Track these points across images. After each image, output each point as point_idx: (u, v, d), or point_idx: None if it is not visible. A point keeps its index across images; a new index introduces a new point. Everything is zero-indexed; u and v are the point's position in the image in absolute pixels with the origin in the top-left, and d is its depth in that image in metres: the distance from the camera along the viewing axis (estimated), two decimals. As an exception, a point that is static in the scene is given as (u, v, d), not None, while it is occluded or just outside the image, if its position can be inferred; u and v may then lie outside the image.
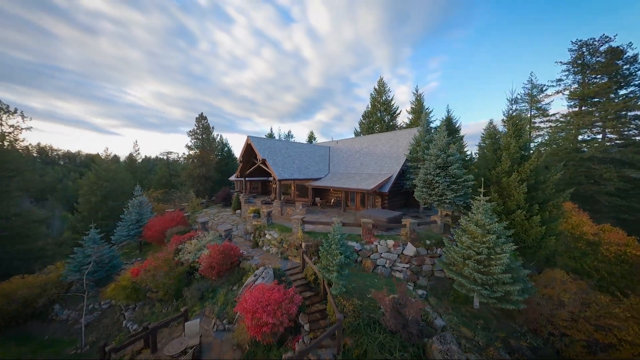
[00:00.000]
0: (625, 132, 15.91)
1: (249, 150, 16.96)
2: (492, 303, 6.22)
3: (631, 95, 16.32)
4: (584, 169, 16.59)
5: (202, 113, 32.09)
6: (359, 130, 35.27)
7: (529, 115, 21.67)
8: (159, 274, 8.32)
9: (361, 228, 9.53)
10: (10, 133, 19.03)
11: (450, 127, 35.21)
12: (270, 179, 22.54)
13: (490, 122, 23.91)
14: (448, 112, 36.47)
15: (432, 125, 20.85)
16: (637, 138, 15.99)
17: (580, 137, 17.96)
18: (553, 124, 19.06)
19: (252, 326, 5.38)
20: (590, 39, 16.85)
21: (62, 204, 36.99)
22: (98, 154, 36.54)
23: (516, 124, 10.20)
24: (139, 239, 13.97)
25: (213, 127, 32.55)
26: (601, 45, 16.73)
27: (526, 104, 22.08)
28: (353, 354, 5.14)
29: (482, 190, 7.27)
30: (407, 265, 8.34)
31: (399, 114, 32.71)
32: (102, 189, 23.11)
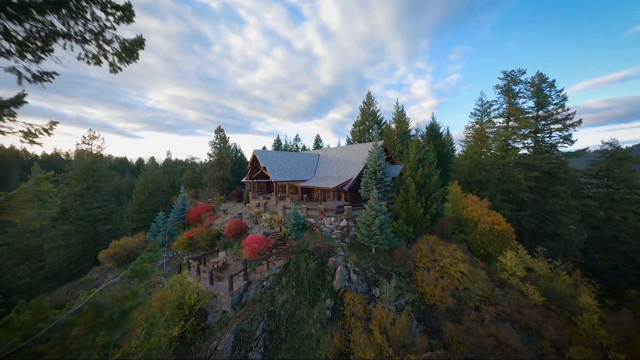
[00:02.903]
0: (530, 144, 20.62)
1: (254, 160, 23.57)
2: (373, 247, 12.17)
3: (545, 114, 20.98)
4: (509, 169, 21.47)
5: (220, 126, 39.39)
6: (351, 138, 41.04)
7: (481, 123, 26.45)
8: (202, 234, 15.05)
9: (317, 211, 15.69)
10: (97, 151, 27.18)
11: (434, 132, 40.41)
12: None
13: (417, 136, 28.85)
14: (433, 119, 41.65)
15: (421, 129, 26.40)
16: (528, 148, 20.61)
17: (516, 145, 22.72)
18: (491, 135, 23.88)
19: (249, 250, 11.79)
20: (512, 70, 21.60)
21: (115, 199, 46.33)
22: (142, 159, 45.21)
23: (418, 144, 15.78)
24: (183, 220, 21.08)
25: (228, 138, 39.87)
26: (521, 75, 21.46)
27: (488, 114, 26.71)
28: (292, 260, 11.39)
29: (382, 188, 13.14)
30: (340, 231, 14.37)
31: (384, 124, 38.05)
32: (148, 189, 31.01)
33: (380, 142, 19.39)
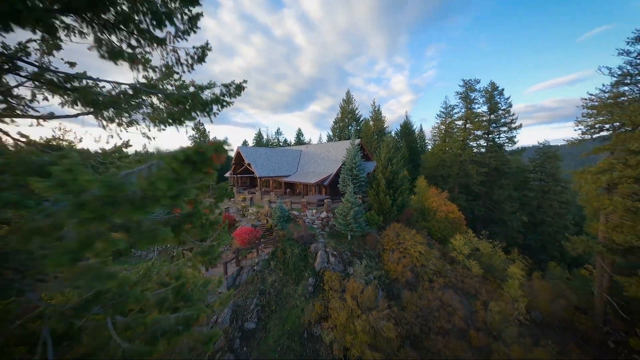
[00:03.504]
0: (483, 144, 24.19)
1: (238, 156, 24.39)
2: (349, 234, 14.27)
3: (495, 118, 24.51)
4: (465, 165, 24.92)
5: (199, 120, 38.89)
6: (331, 134, 42.88)
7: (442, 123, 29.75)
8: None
9: (300, 204, 17.44)
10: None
11: (407, 130, 43.57)
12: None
13: (390, 135, 31.90)
14: (407, 117, 44.75)
15: (397, 126, 28.68)
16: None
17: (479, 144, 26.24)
18: (453, 135, 27.21)
19: (239, 240, 13.23)
20: (470, 79, 24.78)
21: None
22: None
23: (388, 145, 18.05)
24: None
25: (209, 132, 39.52)
26: (476, 84, 24.71)
27: (452, 116, 29.98)
28: (279, 247, 13.11)
29: (360, 183, 15.17)
30: (321, 222, 16.30)
31: (363, 120, 40.34)
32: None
33: (357, 141, 21.40)
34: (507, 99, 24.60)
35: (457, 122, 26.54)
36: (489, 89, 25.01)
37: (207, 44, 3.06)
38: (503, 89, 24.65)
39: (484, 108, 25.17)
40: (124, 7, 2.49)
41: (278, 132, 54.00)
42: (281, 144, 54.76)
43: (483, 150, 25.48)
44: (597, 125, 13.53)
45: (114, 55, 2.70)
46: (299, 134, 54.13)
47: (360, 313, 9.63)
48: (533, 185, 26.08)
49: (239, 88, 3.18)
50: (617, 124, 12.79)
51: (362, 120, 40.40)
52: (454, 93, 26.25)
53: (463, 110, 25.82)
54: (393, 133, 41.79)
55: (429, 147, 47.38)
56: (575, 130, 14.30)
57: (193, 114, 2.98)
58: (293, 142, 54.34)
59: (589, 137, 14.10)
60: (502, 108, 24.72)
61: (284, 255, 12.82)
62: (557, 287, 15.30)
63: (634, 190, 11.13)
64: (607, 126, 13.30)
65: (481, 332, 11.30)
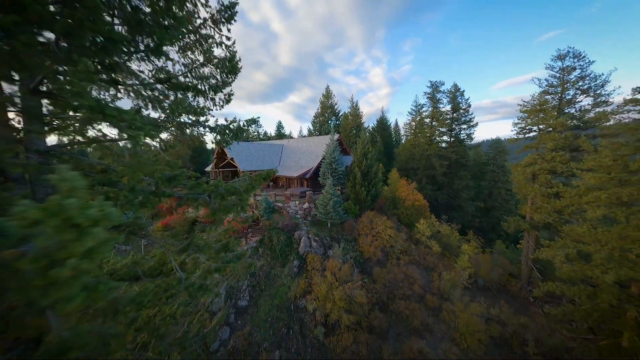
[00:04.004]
0: (446, 140, 27.42)
1: (221, 150, 24.71)
2: (329, 222, 16.06)
3: (457, 116, 27.63)
4: (431, 159, 27.98)
5: (175, 112, 37.54)
6: (312, 128, 44.02)
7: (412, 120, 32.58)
8: (179, 221, 16.68)
9: (284, 197, 18.81)
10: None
11: (383, 125, 46.04)
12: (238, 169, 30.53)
13: (366, 131, 34.31)
14: (382, 113, 47.11)
15: (373, 120, 30.42)
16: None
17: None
18: (423, 131, 30.09)
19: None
20: (436, 81, 27.50)
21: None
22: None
23: (363, 141, 19.94)
24: (155, 212, 21.61)
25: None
26: (441, 85, 27.52)
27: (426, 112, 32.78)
28: (266, 236, 14.50)
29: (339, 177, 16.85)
30: (303, 212, 17.89)
31: (342, 114, 41.98)
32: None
33: (336, 137, 22.98)
34: (467, 99, 27.81)
35: (425, 120, 29.35)
36: (452, 90, 27.97)
37: (231, 91, 4.42)
38: (464, 91, 27.76)
39: (448, 107, 28.20)
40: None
41: (257, 125, 53.70)
42: (261, 136, 54.62)
43: (446, 145, 28.70)
44: (527, 127, 16.62)
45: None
46: (280, 126, 54.35)
47: (338, 285, 11.54)
48: (487, 175, 30.12)
49: (254, 121, 4.54)
50: (542, 126, 15.93)
51: (341, 115, 42.05)
52: (423, 93, 28.90)
53: (430, 109, 28.64)
54: (370, 127, 44.22)
55: (404, 140, 50.87)
56: (512, 130, 17.34)
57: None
58: (273, 134, 54.45)
59: (522, 136, 17.25)
60: (462, 107, 27.90)
61: (270, 242, 14.26)
62: (496, 259, 18.79)
63: (548, 180, 14.30)
64: (535, 128, 16.44)
65: (435, 296, 13.98)
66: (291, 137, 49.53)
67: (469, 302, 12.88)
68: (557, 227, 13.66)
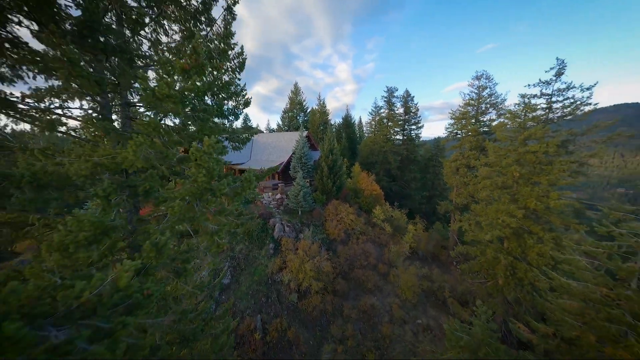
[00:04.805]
0: (399, 138, 32.06)
1: (189, 144, 24.61)
2: (300, 210, 18.31)
3: (408, 118, 32.24)
4: (387, 154, 32.25)
5: (130, 100, 34.55)
6: (280, 123, 45.05)
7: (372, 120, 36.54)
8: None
9: (257, 189, 20.36)
10: None
11: (347, 122, 49.26)
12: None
13: (330, 133, 37.67)
14: (347, 111, 50.26)
15: (339, 117, 32.69)
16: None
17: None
18: (380, 130, 34.20)
19: (207, 220, 15.51)
20: (391, 87, 31.58)
21: None
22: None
23: (329, 138, 22.54)
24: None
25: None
26: (395, 91, 31.72)
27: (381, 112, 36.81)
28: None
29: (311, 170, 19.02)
30: (276, 202, 19.79)
31: (310, 110, 43.95)
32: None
33: (305, 133, 25.09)
34: (416, 104, 32.61)
35: (383, 120, 33.42)
36: (405, 96, 32.42)
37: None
38: (414, 96, 32.45)
39: (401, 110, 32.63)
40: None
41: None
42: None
43: (399, 142, 33.33)
44: (454, 131, 21.27)
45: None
46: (246, 119, 53.56)
47: (308, 259, 14.03)
48: (430, 169, 35.95)
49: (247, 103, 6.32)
50: (463, 131, 20.65)
51: (309, 112, 44.02)
52: (381, 96, 32.79)
53: (387, 110, 32.75)
54: (336, 123, 47.31)
55: (366, 136, 55.38)
56: (444, 133, 21.88)
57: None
58: (239, 126, 53.53)
59: (452, 137, 21.94)
60: (412, 111, 32.64)
61: (248, 229, 15.92)
62: (433, 235, 23.71)
63: (465, 172, 18.97)
64: (459, 132, 21.17)
65: (385, 264, 17.61)
66: (260, 131, 49.33)
67: (409, 266, 16.78)
68: (470, 206, 18.41)
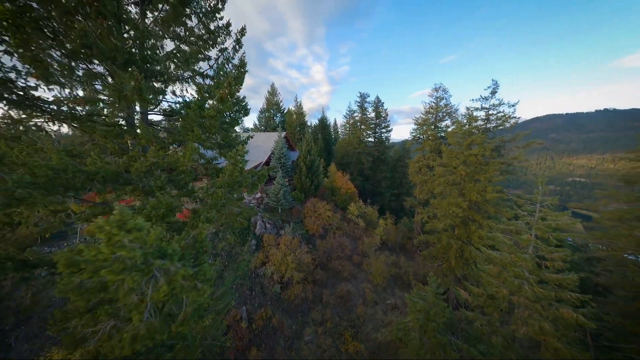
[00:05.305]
0: (372, 140, 34.79)
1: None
2: (280, 208, 19.21)
3: (379, 122, 35.03)
4: (360, 155, 34.63)
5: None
6: (257, 123, 44.90)
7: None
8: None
9: (238, 188, 20.76)
10: None
11: (323, 124, 50.85)
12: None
13: (308, 135, 39.59)
14: (323, 112, 51.81)
15: (316, 117, 33.64)
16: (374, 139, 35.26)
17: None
18: (354, 132, 36.53)
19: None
20: (364, 93, 34.12)
21: None
22: None
23: (307, 140, 23.81)
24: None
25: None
26: (367, 97, 34.33)
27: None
28: (226, 222, 16.54)
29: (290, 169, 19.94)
30: (257, 201, 20.39)
31: (286, 113, 44.62)
32: None
33: (283, 134, 25.95)
34: (386, 109, 35.61)
35: (356, 123, 35.78)
36: (376, 101, 35.19)
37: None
38: (384, 102, 35.42)
39: (373, 114, 35.33)
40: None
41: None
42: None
43: (371, 144, 36.03)
44: (417, 136, 24.16)
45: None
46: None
47: (290, 253, 15.11)
48: (398, 169, 39.43)
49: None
50: (425, 136, 23.61)
51: (285, 112, 44.69)
52: (355, 101, 35.10)
53: (360, 114, 35.18)
54: (312, 125, 48.74)
55: (341, 137, 57.78)
56: (410, 137, 24.69)
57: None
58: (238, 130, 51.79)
59: (415, 141, 24.84)
60: (382, 115, 35.58)
61: (230, 227, 16.36)
62: (400, 228, 26.48)
63: (425, 172, 21.81)
64: (421, 136, 24.12)
65: (359, 255, 19.47)
66: (251, 136, 48.53)
67: (379, 255, 18.87)
68: (430, 201, 21.27)
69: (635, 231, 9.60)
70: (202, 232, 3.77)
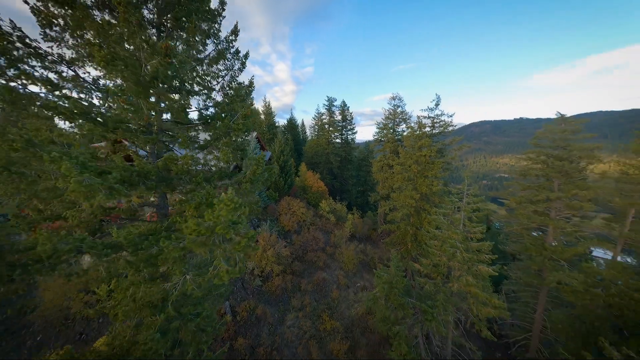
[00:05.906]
0: (339, 141, 37.40)
1: (119, 142, 21.79)
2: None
3: (345, 124, 37.69)
4: (329, 155, 36.78)
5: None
6: (223, 120, 43.45)
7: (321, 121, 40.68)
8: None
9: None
10: None
11: (292, 124, 51.53)
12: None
13: (280, 137, 40.74)
14: (291, 113, 52.40)
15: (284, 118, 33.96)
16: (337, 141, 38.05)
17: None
18: (323, 134, 38.54)
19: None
20: (331, 97, 36.48)
21: None
22: None
23: (280, 142, 24.75)
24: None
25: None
26: (335, 101, 36.75)
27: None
28: (201, 223, 16.56)
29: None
30: (231, 201, 20.58)
31: (253, 112, 44.19)
32: None
33: (254, 134, 26.29)
34: (351, 113, 38.54)
35: (325, 125, 37.85)
36: (342, 105, 37.81)
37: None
38: (349, 107, 38.26)
39: (339, 117, 37.88)
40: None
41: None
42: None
43: (339, 145, 38.57)
44: (379, 138, 27.25)
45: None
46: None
47: (269, 247, 16.05)
48: (363, 168, 42.96)
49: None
50: (385, 139, 26.81)
51: (252, 111, 44.30)
52: (323, 104, 37.12)
53: (327, 117, 37.37)
54: (281, 125, 49.24)
55: (310, 138, 59.34)
56: (372, 139, 27.64)
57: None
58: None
59: (377, 143, 27.92)
60: (348, 118, 38.41)
61: (206, 227, 16.45)
62: (367, 221, 29.40)
63: (386, 170, 24.93)
64: (382, 139, 27.28)
65: (331, 247, 21.36)
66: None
67: (349, 246, 21.06)
68: (390, 195, 24.41)
69: (527, 210, 13.44)
70: (245, 211, 4.80)
